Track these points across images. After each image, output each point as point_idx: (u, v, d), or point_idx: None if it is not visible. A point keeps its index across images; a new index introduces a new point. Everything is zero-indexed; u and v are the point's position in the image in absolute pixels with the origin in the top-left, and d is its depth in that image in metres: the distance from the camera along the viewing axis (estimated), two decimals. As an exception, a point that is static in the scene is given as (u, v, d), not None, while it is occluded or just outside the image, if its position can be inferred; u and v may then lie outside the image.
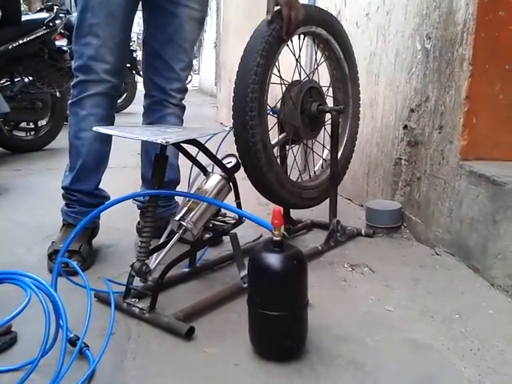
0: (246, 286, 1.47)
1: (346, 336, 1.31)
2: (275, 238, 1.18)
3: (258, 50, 1.64)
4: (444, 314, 1.43)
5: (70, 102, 1.80)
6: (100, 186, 1.88)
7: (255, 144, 1.67)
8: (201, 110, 7.46)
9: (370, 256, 1.87)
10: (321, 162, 2.18)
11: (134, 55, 6.37)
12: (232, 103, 1.71)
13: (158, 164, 1.47)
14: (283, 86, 1.85)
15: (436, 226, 1.90)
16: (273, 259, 1.17)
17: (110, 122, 1.82)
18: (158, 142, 1.30)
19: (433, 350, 1.26)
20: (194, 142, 1.47)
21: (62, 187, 1.85)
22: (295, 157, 2.06)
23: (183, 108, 1.98)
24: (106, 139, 1.82)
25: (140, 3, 1.84)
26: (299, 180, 2.02)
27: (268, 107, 1.76)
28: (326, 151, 2.14)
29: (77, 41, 1.73)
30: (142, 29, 1.95)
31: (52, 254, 1.72)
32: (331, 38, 1.97)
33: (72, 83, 1.79)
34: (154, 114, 1.92)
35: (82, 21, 1.70)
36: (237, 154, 1.72)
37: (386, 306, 1.48)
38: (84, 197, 1.82)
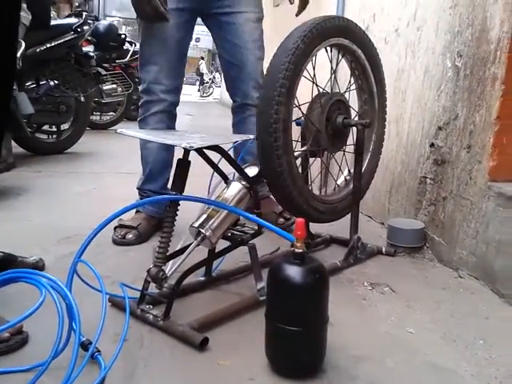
0: (262, 298, 1.44)
1: (364, 356, 1.27)
2: (297, 250, 1.14)
3: (292, 49, 1.63)
4: (467, 339, 1.38)
5: (138, 119, 2.15)
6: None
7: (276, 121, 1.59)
8: (221, 122, 7.46)
9: (391, 275, 1.81)
10: (335, 183, 2.12)
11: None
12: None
13: (180, 169, 1.44)
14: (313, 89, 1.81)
15: (460, 248, 1.84)
16: (294, 272, 1.13)
17: None
18: (182, 146, 1.29)
19: (455, 376, 1.20)
20: (217, 149, 1.44)
21: (137, 188, 2.20)
22: (321, 171, 2.03)
23: None
24: (169, 148, 2.12)
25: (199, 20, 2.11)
26: (319, 193, 1.98)
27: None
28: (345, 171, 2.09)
29: (141, 69, 2.07)
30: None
31: (117, 228, 2.02)
32: (358, 49, 1.94)
33: (139, 103, 2.13)
34: (236, 116, 2.23)
35: (143, 52, 2.04)
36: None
37: (407, 327, 1.43)
38: (153, 194, 2.11)
